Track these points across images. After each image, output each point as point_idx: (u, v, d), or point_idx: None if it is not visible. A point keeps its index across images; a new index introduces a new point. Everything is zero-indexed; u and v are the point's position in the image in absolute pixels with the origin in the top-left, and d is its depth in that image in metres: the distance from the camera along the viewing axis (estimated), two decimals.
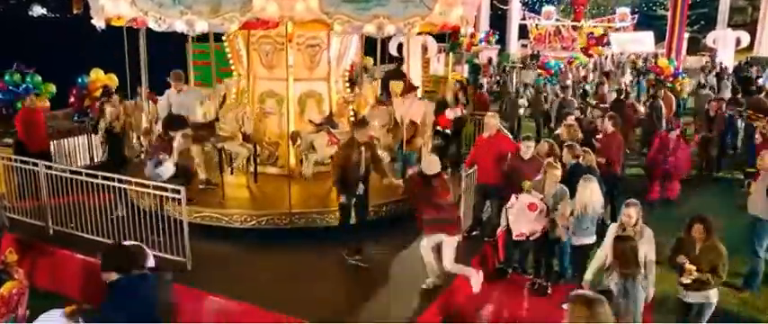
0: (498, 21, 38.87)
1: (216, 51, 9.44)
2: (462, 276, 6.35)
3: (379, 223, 7.59)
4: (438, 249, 6.25)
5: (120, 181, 7.03)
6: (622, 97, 14.31)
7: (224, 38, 9.32)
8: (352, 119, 8.81)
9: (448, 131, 10.29)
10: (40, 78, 11.79)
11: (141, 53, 8.04)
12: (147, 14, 7.21)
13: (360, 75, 11.12)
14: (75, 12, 8.57)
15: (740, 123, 13.15)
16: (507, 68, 26.40)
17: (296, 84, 8.45)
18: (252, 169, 8.63)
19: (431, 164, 6.25)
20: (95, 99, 11.60)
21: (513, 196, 6.69)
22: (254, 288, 6.24)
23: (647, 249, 5.50)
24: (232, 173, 8.74)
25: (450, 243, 6.16)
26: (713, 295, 5.56)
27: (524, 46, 38.75)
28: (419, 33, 9.21)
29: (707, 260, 5.39)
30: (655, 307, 5.96)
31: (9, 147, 9.99)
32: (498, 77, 23.71)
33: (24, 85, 11.50)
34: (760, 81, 19.74)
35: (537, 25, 38.41)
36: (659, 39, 32.08)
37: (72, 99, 12.30)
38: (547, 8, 39.11)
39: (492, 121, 7.98)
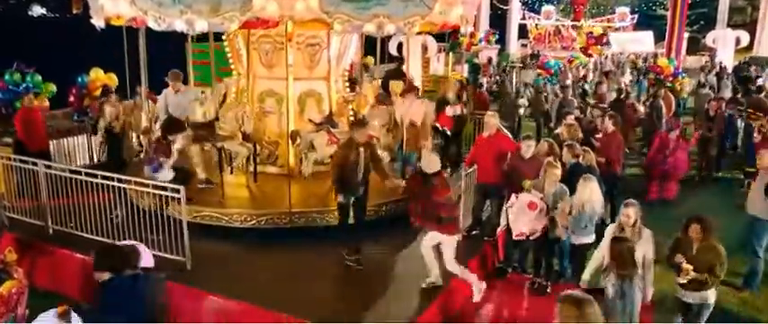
0: (498, 20, 38.90)
1: (216, 51, 9.43)
2: (463, 280, 6.35)
3: (379, 223, 7.59)
4: (438, 249, 6.26)
5: (119, 181, 7.02)
6: (623, 97, 14.32)
7: (224, 37, 9.31)
8: (352, 118, 8.80)
9: (448, 132, 10.27)
10: (40, 78, 11.77)
11: (141, 52, 8.03)
12: (147, 14, 7.21)
13: (360, 74, 11.12)
14: (74, 12, 8.57)
15: (740, 123, 13.16)
16: (507, 68, 26.40)
17: (296, 83, 8.44)
18: (251, 169, 8.62)
19: (431, 162, 6.24)
20: (95, 98, 11.59)
21: (513, 195, 6.69)
22: (253, 287, 6.23)
23: (645, 250, 5.50)
24: (232, 172, 8.74)
25: (449, 242, 6.17)
26: (711, 296, 5.55)
27: (524, 46, 38.79)
28: (419, 33, 9.20)
29: (704, 260, 5.38)
30: (653, 306, 5.96)
31: (8, 146, 9.98)
32: (498, 77, 23.70)
33: (24, 85, 11.48)
34: (759, 81, 19.73)
35: (537, 25, 38.45)
36: (659, 38, 32.13)
37: (72, 98, 12.28)
38: (546, 8, 39.15)
39: (492, 120, 7.98)
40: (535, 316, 6.33)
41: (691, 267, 5.33)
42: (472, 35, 23.93)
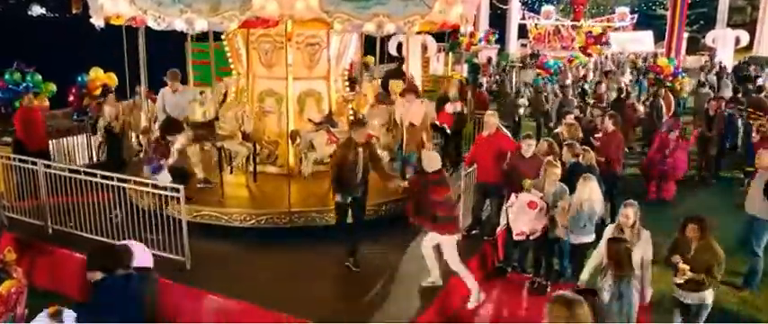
0: (498, 20, 38.92)
1: (215, 50, 9.43)
2: (462, 281, 6.35)
3: (379, 223, 7.58)
4: (439, 249, 6.25)
5: (119, 180, 7.02)
6: (623, 97, 14.32)
7: (223, 37, 9.31)
8: (351, 118, 8.80)
9: (447, 129, 10.26)
10: (40, 77, 11.77)
11: (140, 52, 8.02)
12: (147, 13, 7.21)
13: (360, 74, 11.12)
14: (74, 11, 8.56)
15: (740, 122, 13.15)
16: (507, 68, 26.40)
17: (295, 82, 8.44)
18: (251, 168, 8.62)
19: (431, 160, 6.23)
20: (95, 98, 11.59)
21: (513, 195, 6.68)
22: (253, 287, 6.23)
23: (643, 251, 5.49)
24: (231, 172, 8.73)
25: (449, 242, 6.16)
26: (708, 296, 5.53)
27: (524, 45, 38.81)
28: (418, 32, 9.19)
29: (702, 260, 5.38)
30: (651, 307, 5.96)
31: (8, 145, 9.97)
32: (498, 77, 23.71)
33: (24, 84, 11.48)
34: (759, 80, 19.74)
35: (536, 25, 38.46)
36: (659, 38, 32.16)
37: (71, 98, 12.28)
38: (546, 8, 39.18)
39: (491, 119, 7.98)
40: (535, 316, 6.32)
41: (687, 267, 5.32)
42: (472, 35, 23.94)
